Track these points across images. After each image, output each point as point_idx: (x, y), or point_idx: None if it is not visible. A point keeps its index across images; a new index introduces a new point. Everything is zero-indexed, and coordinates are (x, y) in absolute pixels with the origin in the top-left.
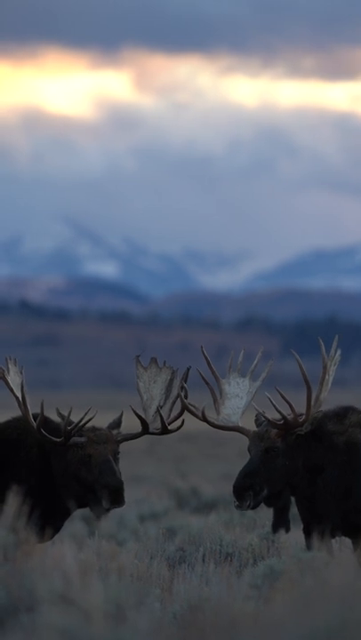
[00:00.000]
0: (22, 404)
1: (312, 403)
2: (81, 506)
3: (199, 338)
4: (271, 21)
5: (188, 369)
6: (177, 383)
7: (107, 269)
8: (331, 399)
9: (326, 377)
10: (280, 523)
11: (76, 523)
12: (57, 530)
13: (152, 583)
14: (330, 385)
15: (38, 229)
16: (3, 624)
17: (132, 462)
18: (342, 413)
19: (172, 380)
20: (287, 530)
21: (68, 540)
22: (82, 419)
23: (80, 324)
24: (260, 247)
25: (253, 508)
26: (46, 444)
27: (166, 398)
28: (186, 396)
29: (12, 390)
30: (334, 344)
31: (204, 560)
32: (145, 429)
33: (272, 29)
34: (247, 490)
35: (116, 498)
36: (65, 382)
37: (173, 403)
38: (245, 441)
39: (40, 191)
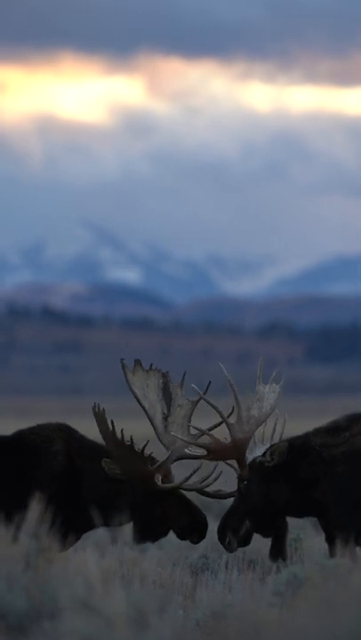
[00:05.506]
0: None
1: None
2: (106, 523)
3: (222, 344)
4: (287, 27)
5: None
6: (175, 389)
7: (129, 275)
8: (351, 406)
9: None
10: (276, 552)
11: (98, 530)
12: (77, 538)
13: (175, 590)
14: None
15: (60, 236)
16: (25, 631)
17: None
18: (343, 425)
19: (166, 385)
20: (284, 559)
21: (90, 546)
22: (187, 478)
23: (103, 330)
24: (282, 253)
25: (243, 545)
26: (78, 458)
27: (168, 406)
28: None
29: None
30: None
31: (227, 567)
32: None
33: (288, 35)
34: (223, 531)
35: (204, 533)
36: (87, 388)
37: (186, 418)
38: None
39: (59, 197)
